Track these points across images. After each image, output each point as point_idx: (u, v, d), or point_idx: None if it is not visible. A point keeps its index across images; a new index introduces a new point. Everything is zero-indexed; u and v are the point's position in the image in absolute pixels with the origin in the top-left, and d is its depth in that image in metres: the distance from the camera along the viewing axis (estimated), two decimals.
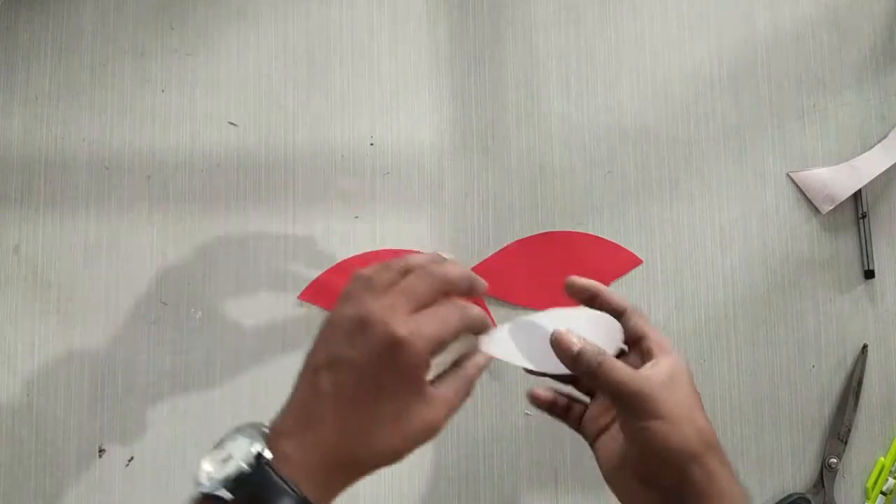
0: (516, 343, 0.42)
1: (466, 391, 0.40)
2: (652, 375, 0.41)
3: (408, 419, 0.37)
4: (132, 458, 0.63)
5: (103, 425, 0.63)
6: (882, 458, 0.64)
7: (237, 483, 0.34)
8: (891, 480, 0.64)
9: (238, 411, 0.63)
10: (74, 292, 0.64)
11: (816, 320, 0.66)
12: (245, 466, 0.34)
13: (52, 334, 0.64)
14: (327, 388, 0.36)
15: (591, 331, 0.42)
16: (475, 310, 0.40)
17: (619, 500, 0.43)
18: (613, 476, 0.44)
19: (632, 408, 0.40)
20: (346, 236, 0.65)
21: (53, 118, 0.66)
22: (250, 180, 0.66)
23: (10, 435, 0.63)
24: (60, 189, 0.65)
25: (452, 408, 0.39)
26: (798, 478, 0.64)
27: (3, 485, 0.62)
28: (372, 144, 0.66)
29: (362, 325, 0.36)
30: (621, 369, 0.40)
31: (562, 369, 0.42)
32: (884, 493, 0.64)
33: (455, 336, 0.39)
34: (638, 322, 0.44)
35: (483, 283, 0.41)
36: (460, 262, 0.41)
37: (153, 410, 0.63)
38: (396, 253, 0.65)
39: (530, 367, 0.43)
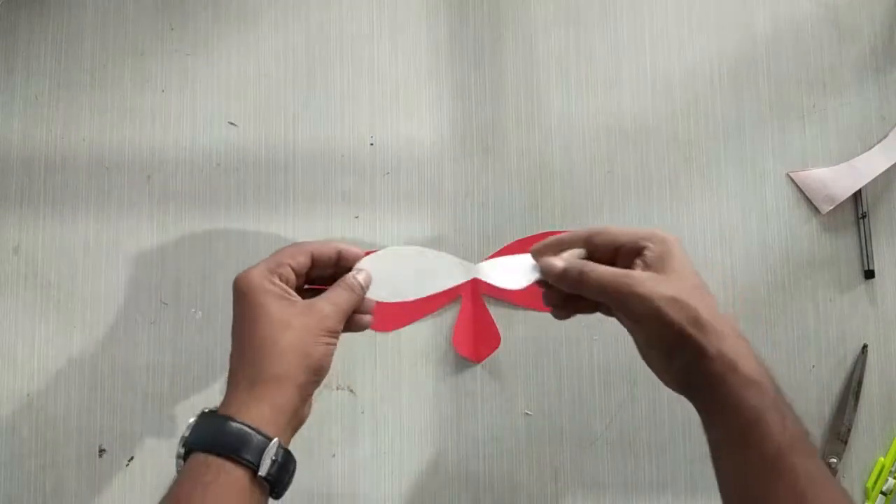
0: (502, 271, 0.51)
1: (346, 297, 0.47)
2: (635, 272, 0.43)
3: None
4: (132, 458, 0.63)
5: (103, 425, 0.63)
6: (882, 458, 0.64)
7: (192, 429, 0.43)
8: (891, 480, 0.64)
9: None
10: (74, 292, 0.64)
11: (816, 320, 0.66)
12: (193, 419, 0.43)
13: (52, 334, 0.64)
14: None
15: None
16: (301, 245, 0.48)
17: (658, 377, 0.45)
18: (645, 357, 0.45)
19: (617, 305, 0.43)
20: (346, 236, 0.65)
21: (53, 118, 0.66)
22: (250, 180, 0.66)
23: (10, 434, 0.63)
24: (60, 189, 0.65)
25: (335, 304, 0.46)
26: None
27: (3, 484, 0.62)
28: (372, 144, 0.66)
29: None
30: (603, 272, 0.44)
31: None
32: (884, 494, 0.64)
33: (288, 261, 0.46)
34: (618, 237, 0.46)
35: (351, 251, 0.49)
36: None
37: (153, 410, 0.63)
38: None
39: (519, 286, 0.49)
